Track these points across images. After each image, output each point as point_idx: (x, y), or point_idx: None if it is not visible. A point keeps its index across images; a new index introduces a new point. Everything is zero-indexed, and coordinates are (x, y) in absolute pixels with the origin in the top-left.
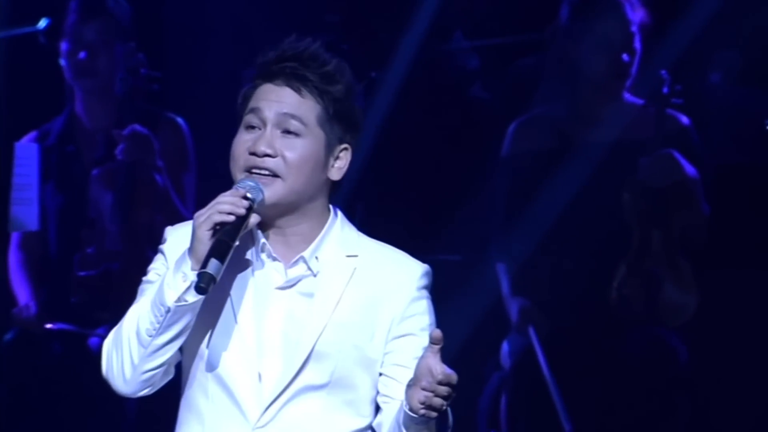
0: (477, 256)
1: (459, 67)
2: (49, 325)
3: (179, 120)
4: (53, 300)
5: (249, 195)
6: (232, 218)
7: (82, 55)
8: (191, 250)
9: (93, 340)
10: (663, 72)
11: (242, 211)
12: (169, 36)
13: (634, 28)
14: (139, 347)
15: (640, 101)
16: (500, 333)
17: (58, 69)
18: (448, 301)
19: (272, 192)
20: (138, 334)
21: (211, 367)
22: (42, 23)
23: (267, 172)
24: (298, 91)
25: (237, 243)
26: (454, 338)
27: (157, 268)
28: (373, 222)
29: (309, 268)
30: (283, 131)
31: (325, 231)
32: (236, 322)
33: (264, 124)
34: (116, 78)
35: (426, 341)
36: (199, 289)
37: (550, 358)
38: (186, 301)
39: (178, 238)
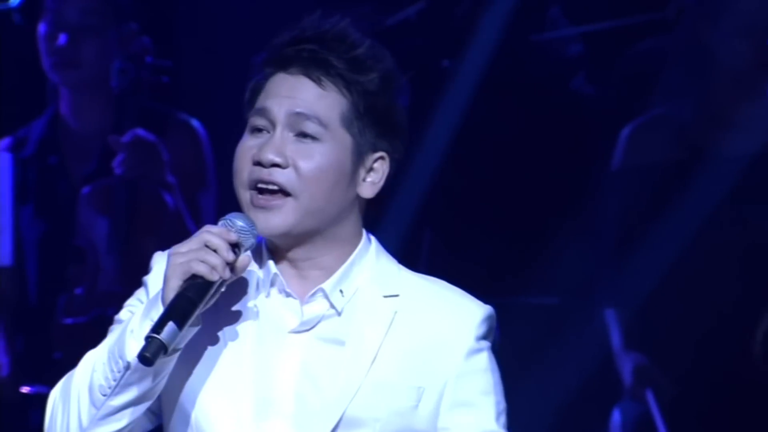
0: (579, 300)
1: (556, 54)
2: (25, 389)
3: (195, 123)
4: (32, 356)
5: (239, 239)
6: (216, 277)
7: (61, 39)
8: (163, 294)
9: None
10: None
11: (227, 273)
12: (182, 16)
13: None
14: (90, 406)
15: None
16: (610, 398)
17: (37, 58)
18: (541, 356)
19: (281, 220)
20: (90, 389)
21: None
22: None
23: (274, 187)
24: (317, 81)
25: (206, 305)
26: (550, 404)
27: (133, 305)
28: (444, 254)
29: (332, 305)
30: (297, 134)
31: (353, 259)
32: (229, 375)
33: (273, 125)
34: (112, 69)
35: (490, 410)
36: (143, 358)
37: (674, 430)
38: None
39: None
